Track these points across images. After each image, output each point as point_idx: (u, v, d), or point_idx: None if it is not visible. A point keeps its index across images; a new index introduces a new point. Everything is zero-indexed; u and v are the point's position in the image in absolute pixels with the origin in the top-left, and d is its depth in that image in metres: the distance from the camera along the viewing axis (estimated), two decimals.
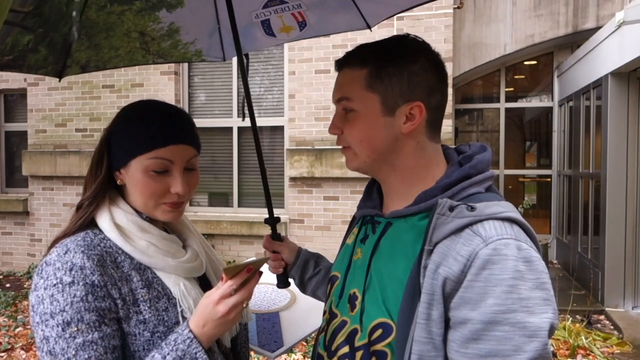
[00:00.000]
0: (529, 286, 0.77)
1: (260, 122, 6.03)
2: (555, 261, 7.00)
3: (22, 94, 6.80)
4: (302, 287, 1.44)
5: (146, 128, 1.02)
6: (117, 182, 1.06)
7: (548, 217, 7.32)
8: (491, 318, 0.76)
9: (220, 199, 6.25)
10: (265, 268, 1.52)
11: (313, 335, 1.52)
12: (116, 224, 1.01)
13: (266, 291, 1.75)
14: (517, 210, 0.87)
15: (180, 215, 1.09)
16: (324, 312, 1.12)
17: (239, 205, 6.11)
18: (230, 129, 6.10)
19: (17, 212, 6.66)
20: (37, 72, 1.55)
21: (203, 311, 0.93)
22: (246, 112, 1.63)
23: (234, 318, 0.94)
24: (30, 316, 0.93)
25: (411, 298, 0.84)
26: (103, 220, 1.02)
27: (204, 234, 5.69)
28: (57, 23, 1.46)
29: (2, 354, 4.04)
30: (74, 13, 1.47)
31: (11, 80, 6.81)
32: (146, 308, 0.96)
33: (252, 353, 1.39)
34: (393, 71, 0.93)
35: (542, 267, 0.80)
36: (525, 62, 7.35)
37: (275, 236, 1.47)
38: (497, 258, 0.78)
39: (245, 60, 1.70)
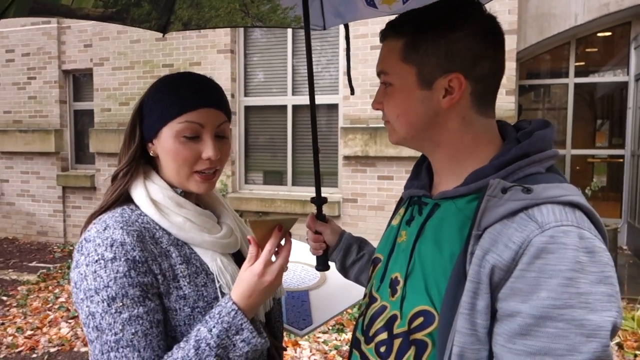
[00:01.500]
0: (591, 280, 0.68)
1: (316, 99, 5.98)
2: (625, 247, 6.58)
3: (89, 73, 7.10)
4: (344, 272, 1.40)
5: (176, 94, 1.02)
6: (150, 154, 1.07)
7: (619, 200, 6.85)
8: (544, 313, 0.69)
9: (274, 177, 6.31)
10: (305, 249, 1.49)
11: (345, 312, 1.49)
12: (152, 199, 1.01)
13: (295, 269, 1.73)
14: (581, 194, 0.78)
15: (213, 187, 1.08)
16: (364, 295, 1.07)
17: (293, 184, 6.14)
18: (285, 107, 6.10)
19: (85, 187, 7.05)
20: (140, 26, 1.60)
21: (248, 283, 0.94)
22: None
23: (279, 282, 0.97)
24: (72, 293, 0.94)
25: (456, 286, 0.77)
26: (139, 195, 1.02)
27: (258, 212, 5.82)
28: None
29: (71, 320, 4.31)
30: None
31: (79, 60, 7.14)
32: (186, 283, 0.97)
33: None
34: (430, 40, 0.85)
35: (607, 259, 0.71)
36: (599, 34, 6.82)
37: (320, 217, 1.43)
38: (553, 247, 0.70)
39: (345, 31, 1.69)
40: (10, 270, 5.95)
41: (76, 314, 4.37)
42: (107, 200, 1.03)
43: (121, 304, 0.88)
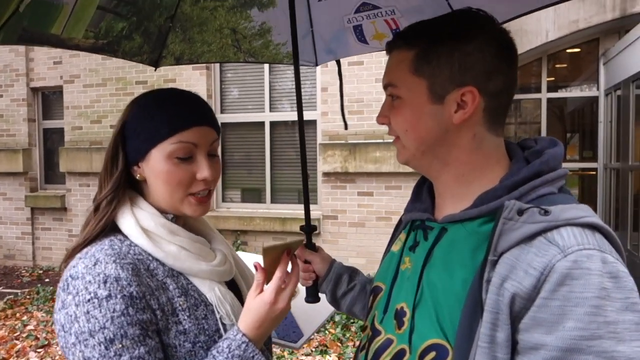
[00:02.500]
0: (617, 307, 0.64)
1: (292, 116, 5.94)
2: None
3: (58, 91, 6.90)
4: (335, 304, 1.32)
5: (165, 112, 0.95)
6: (137, 177, 0.98)
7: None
8: (571, 345, 0.63)
9: (253, 194, 6.21)
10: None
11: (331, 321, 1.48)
12: (143, 227, 0.94)
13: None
14: (597, 215, 0.74)
15: (207, 210, 1.02)
16: (364, 327, 1.00)
17: (272, 201, 6.05)
18: (262, 124, 6.04)
19: (55, 207, 6.80)
20: (132, 59, 1.59)
21: (259, 312, 0.90)
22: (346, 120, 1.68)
23: (289, 308, 0.93)
24: (59, 336, 0.85)
25: (471, 316, 0.72)
26: (127, 224, 0.94)
27: (236, 231, 5.70)
28: (151, 13, 1.49)
29: (40, 350, 4.09)
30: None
31: (48, 78, 6.94)
32: (185, 317, 0.91)
33: (274, 348, 1.34)
34: (443, 52, 0.81)
35: (631, 285, 0.67)
36: (568, 50, 7.00)
37: (310, 245, 1.37)
38: (578, 272, 0.65)
39: (338, 66, 1.71)
40: None
41: (45, 343, 4.16)
42: (91, 233, 0.93)
43: (120, 345, 0.81)
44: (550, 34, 6.33)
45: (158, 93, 1.00)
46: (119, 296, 0.82)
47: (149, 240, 0.93)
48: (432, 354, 0.78)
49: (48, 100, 7.30)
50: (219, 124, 1.05)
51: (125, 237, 0.94)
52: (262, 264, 0.94)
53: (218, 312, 0.95)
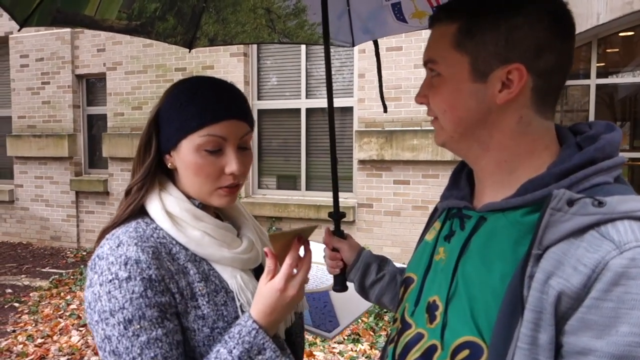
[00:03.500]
0: None
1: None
2: None
3: (102, 78, 7.08)
4: (364, 293, 1.28)
5: (197, 104, 0.95)
6: (168, 166, 1.00)
7: None
8: (624, 352, 0.57)
9: (288, 181, 6.21)
10: (320, 249, 1.42)
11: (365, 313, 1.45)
12: (168, 212, 0.95)
13: (312, 270, 1.71)
14: None
15: (235, 199, 1.03)
16: (394, 320, 0.95)
17: (307, 189, 6.04)
18: (298, 111, 6.01)
19: (98, 192, 7.02)
20: (166, 40, 1.58)
21: (269, 299, 0.89)
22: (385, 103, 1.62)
23: (301, 296, 0.92)
24: (87, 313, 0.88)
25: (510, 314, 0.66)
26: (154, 208, 0.95)
27: (271, 217, 5.73)
28: None
29: (82, 328, 4.24)
30: None
31: (92, 65, 7.12)
32: (204, 303, 0.91)
33: (306, 335, 1.33)
34: (488, 25, 0.74)
35: None
36: (621, 33, 6.63)
37: (338, 232, 1.32)
38: (635, 272, 0.58)
39: (375, 47, 1.64)
40: (23, 275, 5.92)
41: (86, 322, 4.31)
42: (120, 216, 0.96)
43: (139, 326, 0.83)
44: (601, 16, 6.00)
45: (191, 82, 0.99)
46: (138, 278, 0.84)
47: (172, 224, 0.94)
48: (466, 352, 0.73)
49: (92, 87, 7.51)
50: (253, 115, 1.03)
51: (152, 220, 0.95)
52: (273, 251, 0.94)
53: (239, 300, 0.95)
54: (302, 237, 0.95)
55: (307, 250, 0.96)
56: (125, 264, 0.85)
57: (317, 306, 1.55)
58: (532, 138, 0.77)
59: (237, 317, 0.93)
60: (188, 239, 0.94)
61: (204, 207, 1.00)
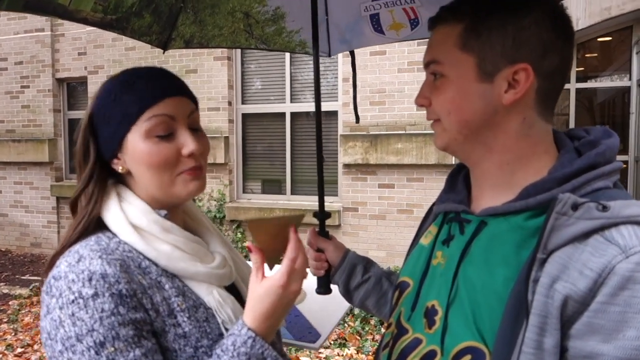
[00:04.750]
0: None
1: (313, 107, 5.89)
2: None
3: (83, 82, 6.98)
4: (348, 296, 1.26)
5: (133, 92, 0.87)
6: (119, 170, 0.90)
7: None
8: (632, 356, 0.58)
9: (273, 186, 6.19)
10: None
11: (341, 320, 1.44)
12: (133, 224, 0.85)
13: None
14: None
15: (203, 187, 0.92)
16: (389, 324, 0.94)
17: (292, 193, 6.02)
18: (283, 115, 6.00)
19: None
20: (140, 39, 1.52)
21: (268, 299, 0.80)
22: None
23: (300, 289, 0.84)
24: (45, 346, 0.76)
25: (513, 318, 0.66)
26: (115, 220, 0.85)
27: None
28: None
29: None
30: None
31: (73, 69, 7.02)
32: (185, 319, 0.82)
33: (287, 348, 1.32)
34: (494, 25, 0.74)
35: None
36: (599, 39, 6.76)
37: (323, 233, 1.31)
38: None
39: (351, 57, 1.67)
40: (2, 283, 5.80)
41: None
42: (69, 236, 0.85)
43: (113, 348, 0.72)
44: (580, 21, 6.12)
45: (122, 75, 0.91)
46: (106, 294, 0.74)
47: (140, 238, 0.84)
48: (467, 358, 0.72)
49: (73, 90, 7.40)
50: (194, 94, 0.97)
51: (114, 234, 0.85)
52: (253, 242, 0.85)
53: (219, 317, 0.87)
54: (295, 227, 0.87)
55: (299, 242, 0.87)
56: (90, 279, 0.74)
57: (290, 320, 1.51)
58: (533, 141, 0.78)
59: (220, 335, 0.86)
60: (157, 253, 0.84)
61: (171, 217, 0.91)
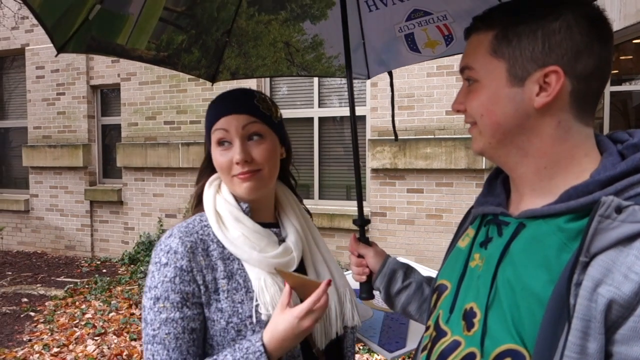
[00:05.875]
0: None
1: (341, 112, 5.91)
2: None
3: (116, 88, 7.17)
4: (390, 302, 1.27)
5: (211, 109, 1.13)
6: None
7: None
8: None
9: (301, 190, 6.18)
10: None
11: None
12: (217, 211, 1.09)
13: None
14: None
15: (257, 188, 1.09)
16: (427, 327, 0.95)
17: (320, 197, 6.04)
18: (311, 120, 6.03)
19: (112, 201, 7.07)
20: (190, 73, 1.65)
21: (283, 324, 0.96)
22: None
23: (312, 328, 0.99)
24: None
25: (554, 322, 0.66)
26: (207, 206, 1.11)
27: None
28: (209, 27, 1.55)
29: (97, 338, 4.26)
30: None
31: (106, 76, 7.21)
32: (224, 298, 1.02)
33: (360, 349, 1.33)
34: (524, 31, 0.75)
35: None
36: (635, 40, 6.59)
37: (363, 239, 1.33)
38: None
39: (390, 78, 1.73)
40: (38, 285, 5.97)
41: (102, 331, 4.32)
42: (196, 191, 1.18)
43: (162, 305, 0.99)
44: (615, 23, 5.97)
45: (217, 96, 1.15)
46: (172, 265, 1.00)
47: (217, 222, 1.07)
48: None
49: (106, 97, 7.59)
50: (260, 108, 1.11)
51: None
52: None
53: (256, 300, 1.03)
54: (319, 284, 1.00)
55: (324, 296, 1.00)
56: (167, 252, 1.01)
57: (391, 326, 1.56)
58: (572, 144, 0.77)
59: (250, 316, 1.02)
60: (225, 237, 1.06)
61: (253, 210, 1.11)
